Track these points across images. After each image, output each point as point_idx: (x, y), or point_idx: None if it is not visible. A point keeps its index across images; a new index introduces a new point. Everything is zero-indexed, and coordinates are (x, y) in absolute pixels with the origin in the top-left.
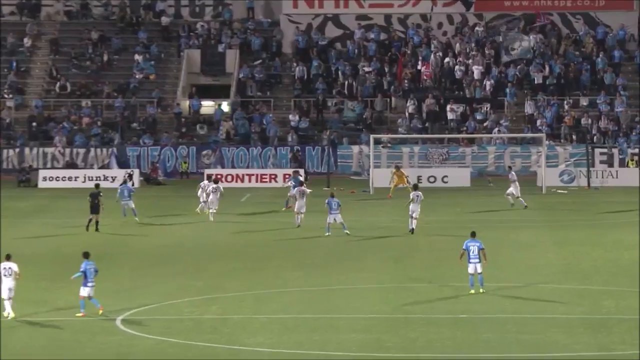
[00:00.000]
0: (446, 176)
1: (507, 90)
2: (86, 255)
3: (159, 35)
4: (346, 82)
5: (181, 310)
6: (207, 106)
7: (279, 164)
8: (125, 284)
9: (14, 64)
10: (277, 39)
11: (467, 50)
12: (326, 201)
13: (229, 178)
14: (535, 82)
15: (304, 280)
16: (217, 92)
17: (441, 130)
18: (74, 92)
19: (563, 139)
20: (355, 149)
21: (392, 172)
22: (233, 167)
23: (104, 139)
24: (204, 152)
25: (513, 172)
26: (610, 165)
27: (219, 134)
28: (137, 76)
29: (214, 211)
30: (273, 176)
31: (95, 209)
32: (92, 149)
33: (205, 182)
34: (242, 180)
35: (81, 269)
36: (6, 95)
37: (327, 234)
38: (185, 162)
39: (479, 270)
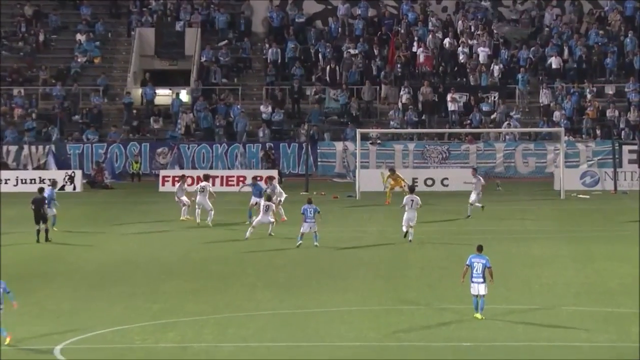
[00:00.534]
0: (446, 178)
1: (519, 76)
2: None
3: (106, 11)
4: (328, 67)
5: (132, 338)
6: (163, 95)
7: (249, 164)
8: (65, 306)
9: None
10: (245, 16)
11: (471, 29)
12: (302, 208)
13: (189, 180)
14: (552, 67)
15: (277, 302)
16: (174, 79)
17: (440, 124)
18: (4, 78)
19: (585, 134)
20: (339, 146)
21: (384, 176)
22: (194, 167)
23: (40, 134)
24: (159, 150)
25: (479, 177)
26: None
27: (176, 129)
28: (79, 59)
29: (212, 215)
30: (241, 178)
31: (41, 217)
32: (26, 147)
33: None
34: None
35: None
36: None
37: (299, 242)
38: (136, 162)
39: (482, 293)
